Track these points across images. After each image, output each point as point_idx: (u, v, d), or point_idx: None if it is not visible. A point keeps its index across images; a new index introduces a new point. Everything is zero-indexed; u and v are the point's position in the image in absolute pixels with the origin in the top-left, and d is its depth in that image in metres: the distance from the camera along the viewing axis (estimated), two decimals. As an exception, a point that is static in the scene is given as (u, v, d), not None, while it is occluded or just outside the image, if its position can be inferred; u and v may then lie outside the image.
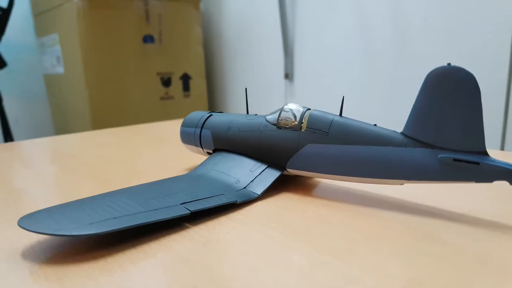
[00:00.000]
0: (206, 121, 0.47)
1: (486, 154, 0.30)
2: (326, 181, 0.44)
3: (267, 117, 0.42)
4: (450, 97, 0.30)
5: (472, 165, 0.30)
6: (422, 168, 0.31)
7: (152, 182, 0.39)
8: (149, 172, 0.50)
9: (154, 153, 0.62)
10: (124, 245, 0.30)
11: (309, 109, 0.40)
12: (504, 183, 0.29)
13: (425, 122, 0.31)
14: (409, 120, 0.33)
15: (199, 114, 0.48)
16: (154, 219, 0.30)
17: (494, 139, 0.97)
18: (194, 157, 0.54)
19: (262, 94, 1.57)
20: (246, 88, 0.51)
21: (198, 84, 1.61)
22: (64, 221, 0.29)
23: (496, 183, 0.30)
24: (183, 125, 0.49)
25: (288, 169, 0.40)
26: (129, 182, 0.41)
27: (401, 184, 0.34)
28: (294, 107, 0.41)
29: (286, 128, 0.40)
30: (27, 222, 0.29)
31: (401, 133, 0.34)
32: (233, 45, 1.69)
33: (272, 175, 0.40)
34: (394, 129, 0.35)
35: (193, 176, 0.41)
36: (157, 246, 0.29)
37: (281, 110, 0.41)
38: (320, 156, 0.37)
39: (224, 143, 0.44)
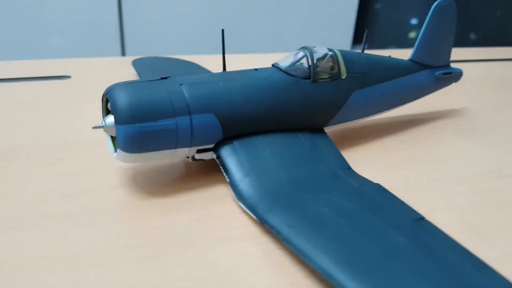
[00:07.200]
0: (189, 101, 0.28)
1: (450, 65, 0.43)
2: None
3: (292, 72, 0.31)
4: (444, 25, 0.40)
5: (450, 74, 0.43)
6: (427, 86, 0.41)
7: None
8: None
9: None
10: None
11: (331, 49, 0.33)
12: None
13: (426, 48, 0.40)
14: (417, 48, 0.40)
15: (156, 92, 0.28)
16: None
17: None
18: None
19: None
20: (223, 30, 0.32)
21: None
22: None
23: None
24: (134, 122, 0.27)
25: (326, 128, 0.33)
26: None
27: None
28: (319, 49, 0.32)
29: (324, 79, 0.32)
30: None
31: (410, 60, 0.40)
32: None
33: (327, 141, 0.32)
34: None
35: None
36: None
37: (310, 55, 0.31)
38: (368, 101, 0.35)
39: (243, 124, 0.29)
